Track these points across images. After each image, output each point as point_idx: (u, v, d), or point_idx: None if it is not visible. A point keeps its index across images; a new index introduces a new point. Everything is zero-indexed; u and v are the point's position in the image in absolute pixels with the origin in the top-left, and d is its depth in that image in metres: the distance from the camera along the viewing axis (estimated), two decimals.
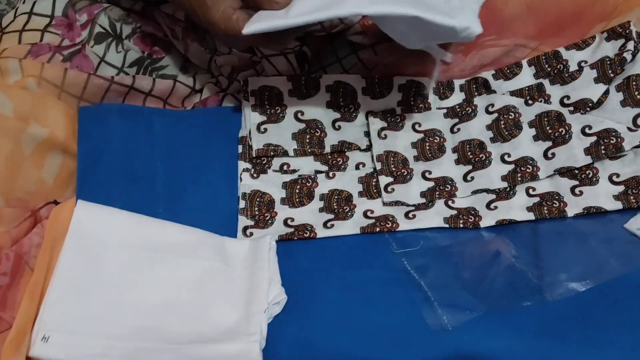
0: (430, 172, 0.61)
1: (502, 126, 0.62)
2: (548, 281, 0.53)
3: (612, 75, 0.61)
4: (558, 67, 0.64)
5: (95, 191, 0.58)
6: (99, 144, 0.60)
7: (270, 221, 0.60)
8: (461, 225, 0.58)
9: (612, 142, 0.58)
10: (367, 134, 0.64)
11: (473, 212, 0.58)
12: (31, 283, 0.51)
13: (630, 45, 0.60)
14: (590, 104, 0.61)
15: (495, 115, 0.63)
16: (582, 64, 0.63)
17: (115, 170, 0.59)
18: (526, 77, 0.65)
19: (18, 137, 0.56)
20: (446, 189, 0.60)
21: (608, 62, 0.61)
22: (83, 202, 0.55)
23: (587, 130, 0.59)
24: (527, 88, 0.64)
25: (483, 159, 0.61)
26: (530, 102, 0.62)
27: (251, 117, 0.63)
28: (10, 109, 0.57)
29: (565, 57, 0.64)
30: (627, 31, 0.62)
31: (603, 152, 0.58)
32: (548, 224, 0.57)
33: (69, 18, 0.64)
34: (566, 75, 0.63)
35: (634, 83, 0.60)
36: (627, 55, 0.60)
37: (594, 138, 0.59)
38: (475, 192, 0.60)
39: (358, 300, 0.53)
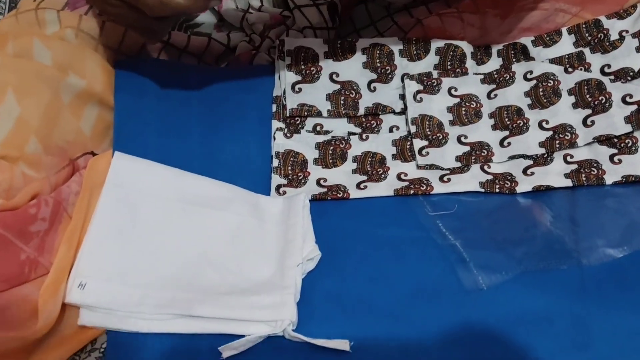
0: (466, 137, 0.61)
1: (541, 93, 0.61)
2: (584, 246, 0.52)
3: None
4: (599, 36, 0.63)
5: (131, 144, 0.58)
6: (136, 98, 0.60)
7: (303, 181, 0.60)
8: (497, 190, 0.57)
9: None
10: (402, 97, 0.64)
11: (509, 178, 0.58)
12: (69, 230, 0.51)
13: None
14: (631, 73, 0.60)
15: (534, 82, 0.62)
16: (624, 34, 0.62)
17: (152, 123, 0.59)
18: (566, 46, 0.64)
19: (57, 86, 0.56)
20: (482, 154, 0.60)
21: None
22: (120, 154, 0.56)
23: (627, 99, 0.59)
24: (567, 56, 0.63)
25: (520, 125, 0.61)
26: (570, 70, 0.61)
27: (286, 77, 0.63)
28: (49, 58, 0.57)
29: (607, 27, 0.63)
30: None
31: None
32: (585, 191, 0.56)
33: None
34: (607, 44, 0.62)
35: None
36: None
37: (634, 107, 0.58)
38: (512, 157, 0.59)
39: (391, 258, 0.53)
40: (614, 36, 0.63)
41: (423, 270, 0.53)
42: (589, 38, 0.63)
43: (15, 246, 0.50)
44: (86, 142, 0.58)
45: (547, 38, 0.64)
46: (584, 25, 0.64)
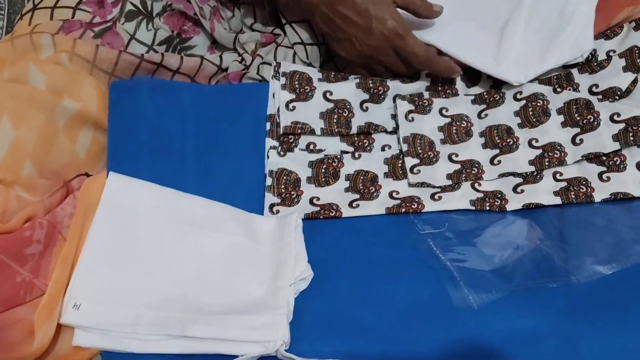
0: (456, 155, 0.62)
1: (530, 113, 0.62)
2: (574, 264, 0.53)
3: None
4: (587, 56, 0.64)
5: (125, 164, 0.58)
6: (129, 118, 0.61)
7: (296, 199, 0.60)
8: (487, 208, 0.58)
9: None
10: (394, 116, 0.64)
11: (500, 195, 0.59)
12: (64, 252, 0.52)
13: None
14: (619, 92, 0.61)
15: (524, 102, 0.63)
16: (611, 53, 0.63)
17: (145, 144, 0.60)
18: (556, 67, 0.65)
19: (51, 110, 0.57)
20: (473, 172, 0.60)
21: (637, 51, 0.61)
22: (115, 174, 0.56)
23: (615, 118, 0.60)
24: (555, 76, 0.64)
25: (510, 143, 0.61)
26: (558, 90, 0.62)
27: (280, 95, 0.64)
28: (44, 83, 0.58)
29: (594, 47, 0.64)
30: None
31: (631, 138, 0.58)
32: (574, 209, 0.57)
33: None
34: (595, 64, 0.63)
35: None
36: None
37: (622, 125, 0.59)
38: (502, 175, 0.60)
39: (383, 277, 0.54)
40: (601, 56, 0.64)
41: (414, 289, 0.53)
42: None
43: (11, 269, 0.51)
44: (80, 164, 0.59)
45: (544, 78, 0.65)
46: None
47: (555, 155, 0.60)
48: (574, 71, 0.63)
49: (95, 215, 0.54)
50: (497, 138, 0.62)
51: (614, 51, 0.63)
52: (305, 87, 0.64)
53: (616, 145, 0.59)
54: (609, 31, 0.64)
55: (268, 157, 0.62)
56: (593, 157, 0.59)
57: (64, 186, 0.56)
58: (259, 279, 0.54)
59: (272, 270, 0.54)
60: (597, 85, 0.62)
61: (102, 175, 0.57)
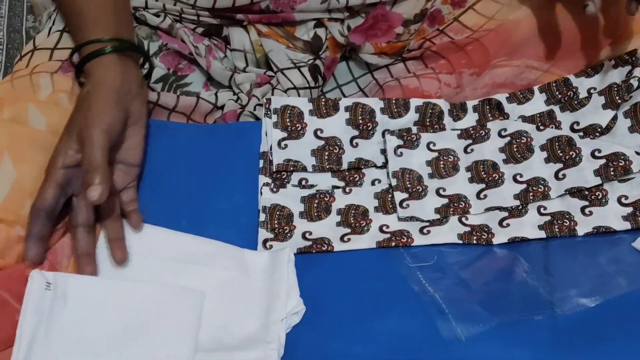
0: (444, 189, 0.64)
1: (515, 149, 0.64)
2: (558, 296, 0.55)
3: (619, 101, 0.63)
4: (568, 94, 0.66)
5: None
6: None
7: (289, 234, 0.62)
8: (474, 242, 0.60)
9: (620, 164, 0.61)
10: (383, 151, 0.66)
11: (486, 229, 0.60)
12: None
13: (637, 72, 0.63)
14: (599, 129, 0.63)
15: (508, 139, 0.65)
16: (592, 91, 0.66)
17: (140, 183, 0.62)
18: (538, 103, 0.67)
19: (51, 150, 0.59)
20: (460, 206, 0.62)
21: (615, 89, 0.64)
22: None
23: (596, 154, 0.62)
24: (538, 115, 0.66)
25: (496, 178, 0.63)
26: (541, 127, 0.65)
27: (273, 134, 0.66)
28: (44, 124, 0.60)
29: (575, 84, 0.67)
30: (634, 58, 0.64)
31: (612, 173, 0.60)
32: (558, 242, 0.59)
33: None
34: (575, 102, 0.65)
35: (638, 109, 0.62)
36: (634, 82, 0.63)
37: (603, 160, 0.61)
38: (488, 209, 0.62)
39: (373, 311, 0.55)
40: (582, 93, 0.66)
41: (404, 322, 0.55)
42: (559, 96, 0.67)
43: (11, 307, 0.52)
44: None
45: (521, 95, 0.67)
46: (554, 84, 0.67)
47: (540, 190, 0.62)
48: (556, 109, 0.66)
49: None
50: (483, 173, 0.64)
51: (595, 88, 0.66)
52: (297, 125, 0.66)
53: (597, 180, 0.61)
54: (589, 69, 0.67)
55: (261, 193, 0.64)
56: (575, 192, 0.61)
57: (63, 226, 0.58)
58: (251, 313, 0.55)
59: (264, 304, 0.56)
60: (577, 123, 0.64)
61: None
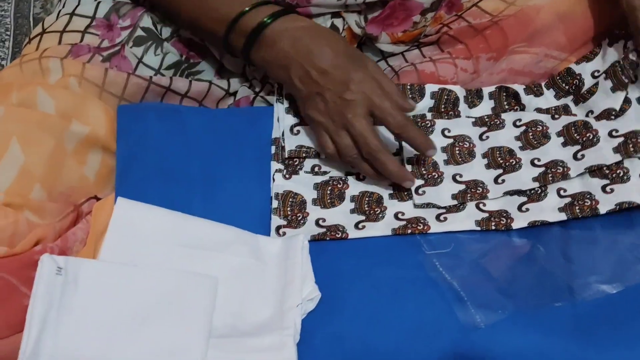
0: (461, 175, 0.62)
1: (531, 136, 0.64)
2: (578, 283, 0.54)
3: (626, 80, 0.62)
4: (574, 82, 0.65)
5: (133, 188, 0.59)
6: (137, 142, 0.62)
7: (302, 221, 0.61)
8: (493, 228, 0.59)
9: None
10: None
11: (505, 215, 0.59)
12: None
13: (630, 44, 0.62)
14: (614, 113, 0.62)
15: (523, 128, 0.64)
16: (596, 74, 0.65)
17: (153, 168, 0.61)
18: (550, 99, 0.67)
19: (60, 134, 0.58)
20: (477, 191, 0.61)
21: (619, 69, 0.63)
22: (122, 200, 0.57)
23: (614, 133, 0.61)
24: (553, 108, 0.66)
25: (513, 163, 0.62)
26: (556, 116, 0.64)
27: (285, 119, 0.65)
28: (53, 107, 0.59)
29: (578, 72, 0.66)
30: (623, 32, 0.64)
31: (632, 149, 0.59)
32: (578, 228, 0.58)
33: (110, 20, 0.66)
34: (585, 92, 0.64)
35: None
36: (633, 57, 0.62)
37: (621, 138, 0.60)
38: (507, 193, 0.61)
39: (390, 298, 0.54)
40: (587, 79, 0.65)
41: (422, 309, 0.53)
42: (567, 87, 0.66)
43: (19, 292, 0.51)
44: (90, 188, 0.59)
45: (535, 89, 0.67)
46: (558, 77, 0.67)
47: (559, 171, 0.61)
48: (570, 103, 0.65)
49: (103, 242, 0.54)
50: (499, 159, 0.63)
51: (598, 71, 0.65)
52: None
53: (617, 157, 0.60)
54: (588, 53, 0.66)
55: (274, 180, 0.63)
56: (596, 170, 0.60)
57: (74, 210, 0.57)
58: (265, 299, 0.55)
59: (278, 291, 0.55)
60: (592, 112, 0.64)
61: (110, 199, 0.58)
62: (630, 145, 0.60)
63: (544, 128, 0.64)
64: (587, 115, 0.64)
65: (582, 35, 0.67)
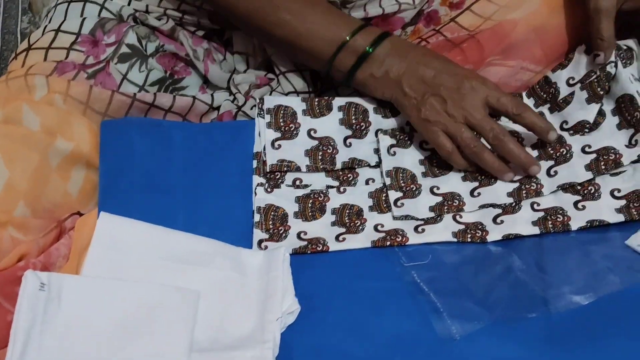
0: (438, 188, 0.64)
1: None
2: (552, 294, 0.55)
3: (601, 92, 0.63)
4: (550, 91, 0.67)
5: (116, 203, 0.60)
6: (120, 157, 0.63)
7: (284, 235, 0.62)
8: (469, 240, 0.60)
9: (611, 158, 0.61)
10: (377, 150, 0.66)
11: (480, 227, 0.61)
12: None
13: (612, 57, 0.63)
14: (587, 125, 0.64)
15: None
16: (570, 81, 0.66)
17: (136, 182, 0.62)
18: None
19: (45, 150, 0.59)
20: (454, 204, 0.62)
21: (595, 80, 0.63)
22: (105, 215, 0.58)
23: (587, 149, 0.62)
24: None
25: (489, 176, 0.63)
26: None
27: (266, 134, 0.66)
28: (38, 124, 0.60)
29: (554, 80, 0.67)
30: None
31: (603, 167, 0.61)
32: (552, 238, 0.59)
33: (96, 37, 0.67)
34: (560, 100, 0.66)
35: (622, 106, 0.63)
36: (610, 69, 0.63)
37: (594, 155, 0.62)
38: (482, 206, 0.62)
39: (368, 310, 0.55)
40: (562, 87, 0.66)
41: (399, 321, 0.55)
42: (544, 95, 0.67)
43: (3, 308, 0.52)
44: (73, 203, 0.60)
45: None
46: (537, 86, 0.68)
47: (532, 187, 0.62)
48: (545, 111, 0.66)
49: (86, 257, 0.55)
50: (475, 172, 0.64)
51: (573, 78, 0.66)
52: (290, 125, 0.66)
53: (589, 175, 0.61)
54: (564, 60, 0.67)
55: (256, 194, 0.64)
56: (568, 187, 0.61)
57: (57, 226, 0.58)
58: (247, 313, 0.55)
59: (260, 304, 0.56)
60: (566, 122, 0.65)
61: (93, 214, 0.59)
62: (602, 163, 0.61)
63: (519, 139, 0.65)
64: (561, 127, 0.65)
65: (558, 48, 0.68)
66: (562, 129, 0.65)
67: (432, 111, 0.61)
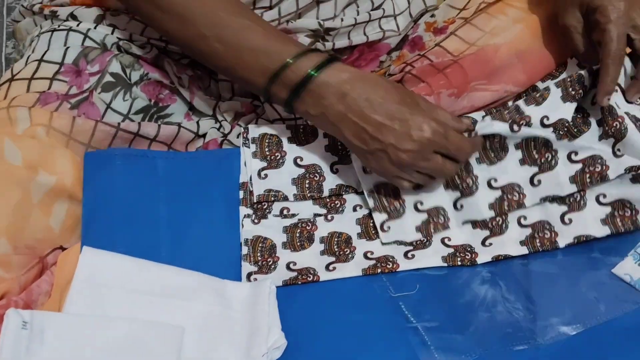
0: (422, 203, 0.63)
1: (488, 147, 0.63)
2: (540, 325, 0.54)
3: (573, 93, 0.62)
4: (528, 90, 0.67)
5: (100, 236, 0.59)
6: (104, 189, 0.62)
7: (273, 266, 0.61)
8: (459, 263, 0.59)
9: (597, 169, 0.61)
10: None
11: (469, 249, 0.60)
12: None
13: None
14: (566, 124, 0.61)
15: (481, 137, 0.63)
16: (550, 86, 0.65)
17: (120, 215, 0.61)
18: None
19: (27, 185, 0.58)
20: (440, 221, 0.62)
21: (569, 80, 0.62)
22: (88, 249, 0.57)
23: (573, 157, 0.62)
24: (507, 112, 0.64)
25: (470, 184, 0.62)
26: (515, 128, 0.61)
27: (252, 164, 0.65)
28: (20, 158, 0.59)
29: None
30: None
31: (588, 180, 0.60)
32: (540, 263, 0.59)
33: (79, 66, 0.67)
34: (537, 95, 0.63)
35: (603, 116, 0.62)
36: (584, 72, 0.62)
37: (579, 166, 0.61)
38: (466, 222, 0.62)
39: (356, 344, 0.55)
40: (539, 84, 0.67)
41: (387, 355, 0.54)
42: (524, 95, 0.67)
43: None
44: (55, 238, 0.59)
45: (495, 111, 0.67)
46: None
47: (514, 198, 0.62)
48: (521, 103, 0.63)
49: (68, 293, 0.54)
50: (456, 178, 0.63)
51: (547, 117, 0.63)
52: (276, 154, 0.66)
53: (573, 188, 0.61)
54: (554, 71, 0.68)
55: (243, 225, 0.63)
56: (553, 199, 0.61)
57: (39, 262, 0.57)
58: (233, 348, 0.55)
59: (245, 339, 0.55)
60: (547, 117, 0.61)
61: (76, 249, 0.58)
62: (587, 175, 0.61)
63: (502, 138, 0.62)
64: (542, 121, 0.61)
65: (541, 71, 0.68)
66: (542, 124, 0.61)
67: (383, 166, 0.59)
